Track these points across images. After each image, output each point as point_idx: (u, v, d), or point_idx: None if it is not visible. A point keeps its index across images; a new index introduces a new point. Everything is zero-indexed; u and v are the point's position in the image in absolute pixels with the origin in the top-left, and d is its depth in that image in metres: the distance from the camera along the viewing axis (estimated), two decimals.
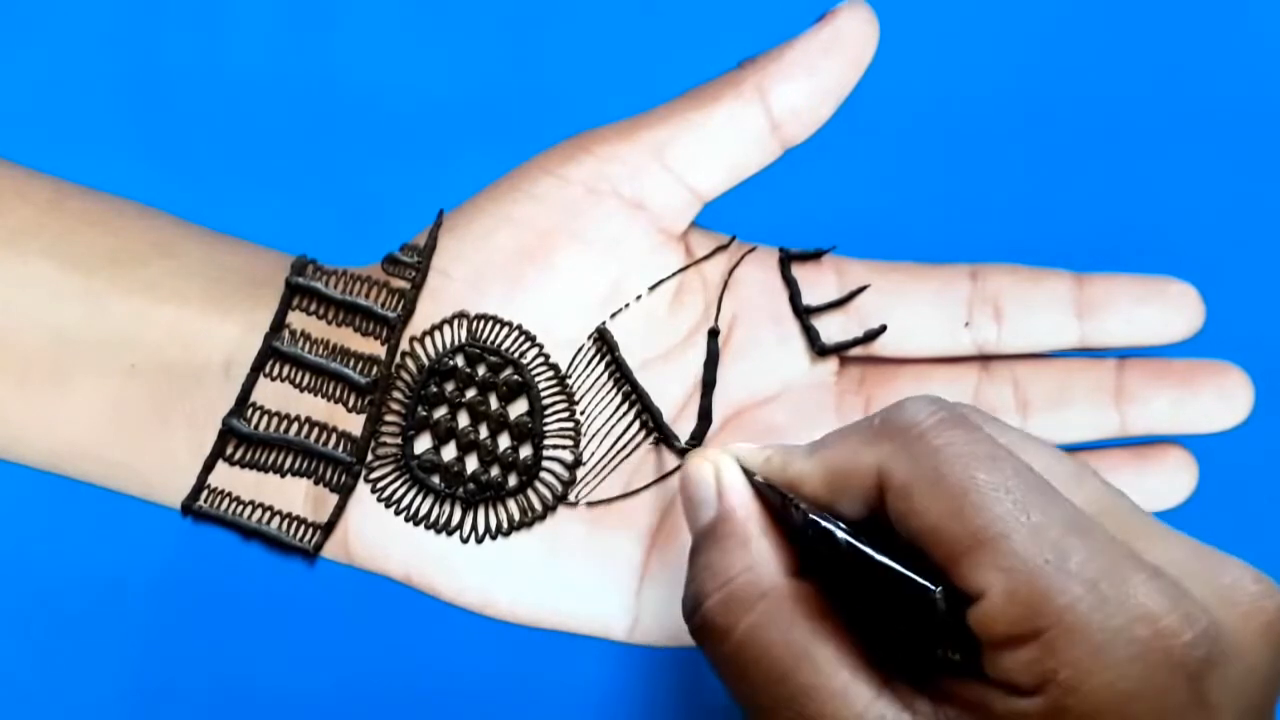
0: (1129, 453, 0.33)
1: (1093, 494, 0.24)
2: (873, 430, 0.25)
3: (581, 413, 0.32)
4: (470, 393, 0.32)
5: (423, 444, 0.32)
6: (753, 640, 0.24)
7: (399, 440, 0.32)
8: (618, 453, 0.32)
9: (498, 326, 0.32)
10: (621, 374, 0.32)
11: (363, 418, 0.32)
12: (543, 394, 0.32)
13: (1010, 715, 0.22)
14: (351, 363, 0.32)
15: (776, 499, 0.26)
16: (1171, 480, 0.33)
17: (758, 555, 0.25)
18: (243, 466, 0.32)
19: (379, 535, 0.31)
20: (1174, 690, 0.21)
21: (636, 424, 0.32)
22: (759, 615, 0.25)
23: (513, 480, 0.32)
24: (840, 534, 0.24)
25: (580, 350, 0.32)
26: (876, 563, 0.23)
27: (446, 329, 0.32)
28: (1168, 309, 0.33)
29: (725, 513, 0.26)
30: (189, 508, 0.31)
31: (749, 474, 0.27)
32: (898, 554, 0.23)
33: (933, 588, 0.23)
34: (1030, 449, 0.25)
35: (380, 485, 0.32)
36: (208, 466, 0.31)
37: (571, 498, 0.32)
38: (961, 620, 0.23)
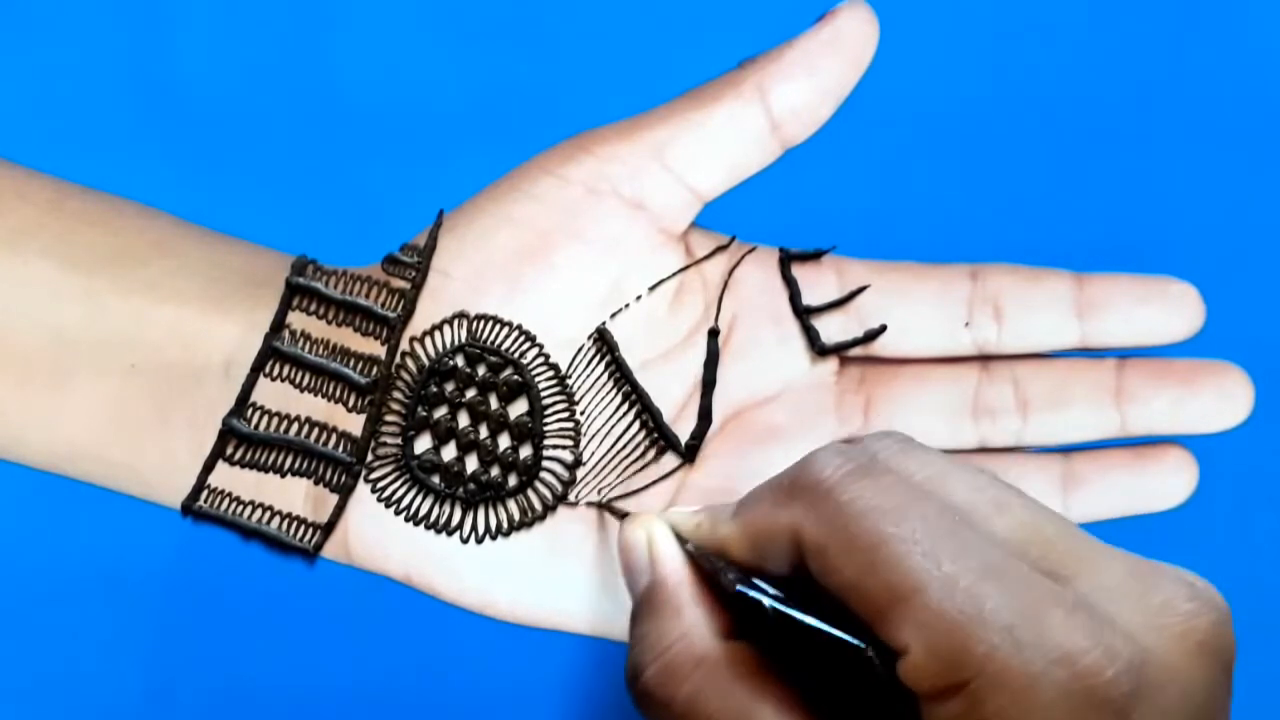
0: (1129, 453, 0.33)
1: (1017, 521, 0.24)
2: (784, 489, 0.25)
3: (581, 413, 0.32)
4: (470, 393, 0.32)
5: (423, 444, 0.32)
6: (693, 708, 0.24)
7: (399, 440, 0.32)
8: (618, 453, 0.32)
9: (498, 326, 0.32)
10: (621, 374, 0.32)
11: (363, 418, 0.32)
12: (543, 394, 0.32)
13: None
14: (351, 363, 0.32)
15: (707, 565, 0.26)
16: (1172, 480, 0.33)
17: (690, 623, 0.25)
18: (243, 466, 0.32)
19: (379, 535, 0.31)
20: None
21: (636, 424, 0.32)
22: (696, 682, 0.25)
23: (513, 480, 0.32)
24: (767, 602, 0.24)
25: (580, 350, 0.32)
26: (806, 626, 0.23)
27: (446, 329, 0.32)
28: (1168, 309, 0.33)
29: (658, 581, 0.26)
30: (189, 508, 0.31)
31: (682, 540, 0.27)
32: (828, 609, 0.23)
33: (863, 646, 0.23)
34: (951, 479, 0.24)
35: (380, 485, 0.32)
36: (208, 466, 0.31)
37: (571, 498, 0.32)
38: (893, 675, 0.22)
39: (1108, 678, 0.21)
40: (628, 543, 0.27)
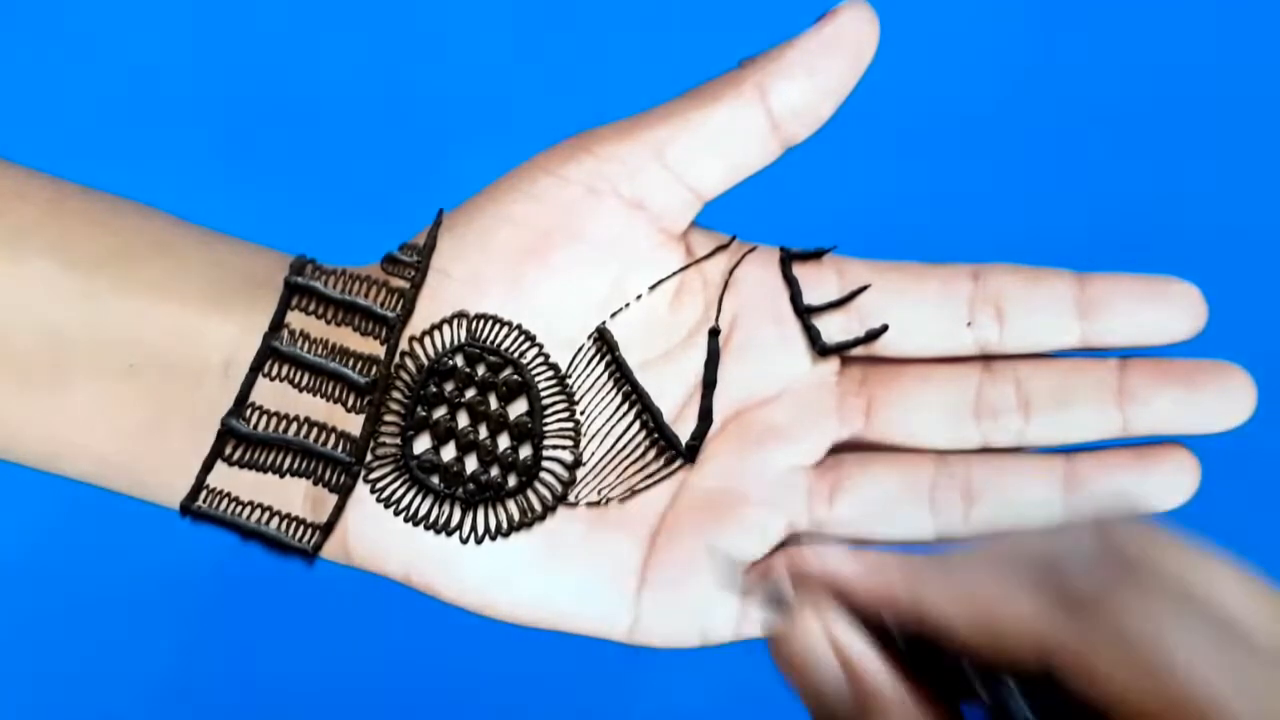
0: (1131, 453, 0.33)
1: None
2: (1036, 587, 0.21)
3: (581, 413, 0.32)
4: (470, 393, 0.32)
5: (422, 444, 0.32)
6: None
7: (398, 440, 0.32)
8: (618, 453, 0.32)
9: (497, 326, 0.32)
10: (621, 374, 0.32)
11: (362, 418, 0.32)
12: (543, 394, 0.32)
13: None
14: (351, 362, 0.32)
15: (924, 658, 0.21)
16: (1173, 480, 0.33)
17: None
18: (242, 467, 0.32)
19: (378, 536, 0.31)
20: None
21: (636, 424, 0.32)
22: None
23: (512, 480, 0.32)
24: None
25: (580, 350, 0.32)
26: None
27: (446, 329, 0.32)
28: (1170, 309, 0.33)
29: (869, 693, 0.22)
30: (188, 508, 0.31)
31: (854, 619, 0.22)
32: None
33: None
34: (1219, 577, 0.21)
35: (379, 485, 0.32)
36: (206, 466, 0.31)
37: (571, 498, 0.32)
38: None
39: None
40: (803, 655, 0.22)
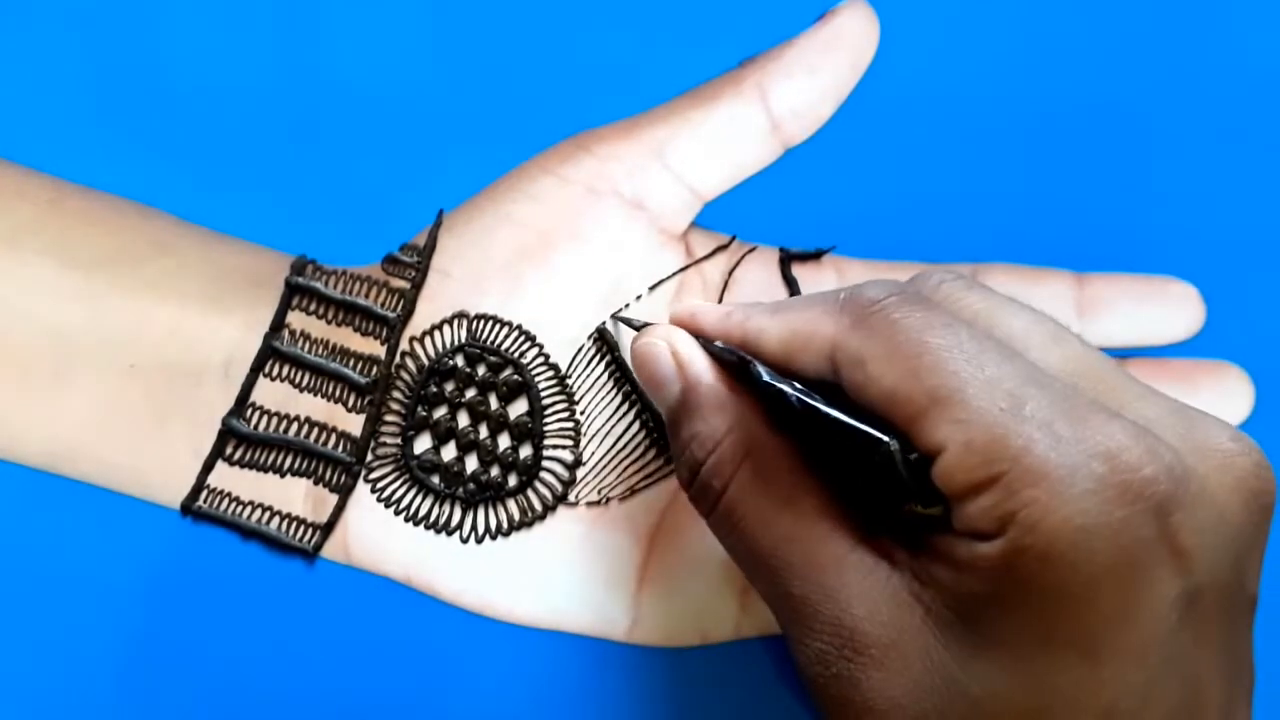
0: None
1: (1071, 353, 0.24)
2: (834, 304, 0.25)
3: (581, 413, 0.32)
4: (470, 393, 0.32)
5: (422, 444, 0.32)
6: (741, 495, 0.25)
7: (399, 440, 0.32)
8: (618, 453, 0.32)
9: (498, 326, 0.32)
10: (622, 374, 0.32)
11: (362, 418, 0.32)
12: (543, 394, 0.32)
13: (975, 560, 0.22)
14: (351, 363, 0.32)
15: (733, 359, 0.26)
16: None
17: (738, 416, 0.26)
18: (242, 466, 0.32)
19: (379, 535, 0.31)
20: (1136, 525, 0.21)
21: (636, 424, 0.32)
22: (745, 470, 0.25)
23: (513, 480, 0.32)
24: (792, 392, 0.24)
25: (580, 350, 0.32)
26: (831, 419, 0.23)
27: (446, 329, 0.32)
28: (1168, 309, 0.33)
29: (691, 383, 0.27)
30: (189, 508, 0.31)
31: (701, 341, 0.27)
32: (854, 415, 0.24)
33: (886, 439, 0.23)
34: (1009, 312, 0.25)
35: (380, 485, 0.32)
36: (207, 466, 0.31)
37: (571, 498, 0.32)
38: (926, 480, 0.23)
39: (1146, 474, 0.21)
40: (648, 354, 0.27)
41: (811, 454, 0.25)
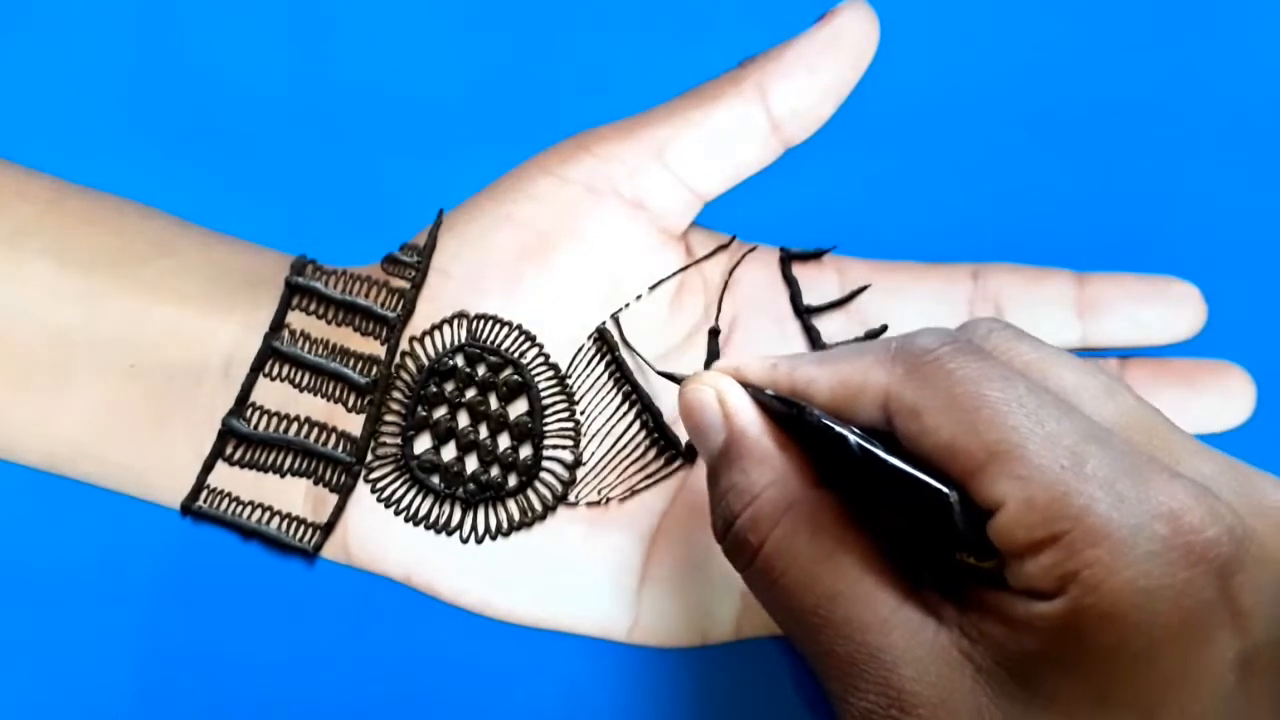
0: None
1: (1124, 408, 0.24)
2: (888, 353, 0.24)
3: (581, 413, 0.32)
4: (470, 393, 0.32)
5: (422, 444, 0.32)
6: (780, 551, 0.25)
7: (399, 440, 0.32)
8: (618, 453, 0.32)
9: (498, 326, 0.32)
10: (622, 374, 0.32)
11: (362, 418, 0.32)
12: (543, 394, 0.32)
13: (1033, 619, 0.22)
14: (351, 362, 0.32)
15: (784, 409, 0.25)
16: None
17: (779, 470, 0.25)
18: (242, 466, 0.32)
19: (379, 535, 0.31)
20: (1198, 587, 0.21)
21: (636, 424, 0.32)
22: (785, 526, 0.25)
23: (513, 480, 0.32)
24: (853, 438, 0.23)
25: (580, 350, 0.32)
26: (890, 467, 0.23)
27: (446, 329, 0.32)
28: (1170, 309, 0.33)
29: (737, 433, 0.26)
30: (189, 508, 0.31)
31: (749, 389, 0.27)
32: (910, 464, 0.23)
33: (946, 490, 0.23)
34: (1061, 365, 0.24)
35: (380, 485, 0.32)
36: (207, 466, 0.31)
37: (571, 498, 0.32)
38: (981, 534, 0.22)
39: (1209, 535, 0.21)
40: (695, 402, 0.27)
41: (857, 507, 0.25)
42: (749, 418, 0.26)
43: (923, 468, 0.23)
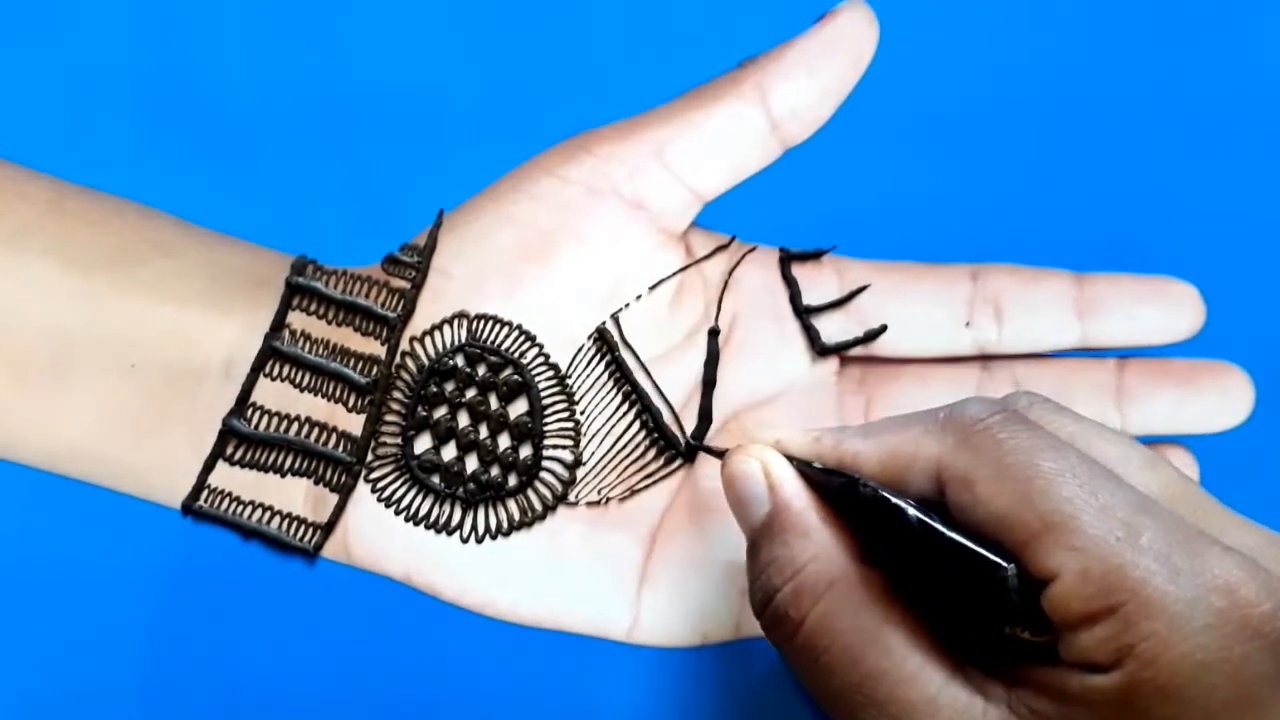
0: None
1: (1167, 479, 0.24)
2: (936, 423, 0.24)
3: (581, 413, 0.32)
4: (470, 393, 0.32)
5: (423, 444, 0.32)
6: (823, 627, 0.24)
7: (399, 440, 0.32)
8: (618, 453, 0.32)
9: (498, 326, 0.32)
10: (622, 374, 0.32)
11: (363, 418, 0.32)
12: (543, 394, 0.32)
13: (1087, 693, 0.22)
14: (351, 363, 0.32)
15: (833, 481, 0.25)
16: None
17: (822, 544, 0.25)
18: (243, 466, 0.32)
19: (379, 535, 0.31)
20: (1254, 661, 0.21)
21: (636, 424, 0.32)
22: (828, 602, 0.25)
23: (513, 480, 0.32)
24: (911, 510, 0.23)
25: (580, 350, 0.32)
26: (947, 540, 0.23)
27: (446, 329, 0.32)
28: (1169, 309, 0.33)
29: (781, 506, 0.26)
30: (189, 508, 0.31)
31: (794, 462, 0.26)
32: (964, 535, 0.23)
33: (1005, 564, 0.23)
34: (1103, 438, 0.25)
35: (380, 485, 0.32)
36: (208, 466, 0.31)
37: (571, 498, 0.32)
38: (1035, 606, 0.22)
39: (1265, 610, 0.21)
40: (738, 473, 0.26)
41: (903, 584, 0.25)
42: (794, 490, 0.26)
43: (978, 541, 0.23)
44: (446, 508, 0.32)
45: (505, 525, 0.32)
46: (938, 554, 0.23)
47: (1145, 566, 0.21)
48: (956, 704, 0.23)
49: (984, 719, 0.23)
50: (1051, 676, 0.22)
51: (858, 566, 0.25)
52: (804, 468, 0.26)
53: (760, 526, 0.26)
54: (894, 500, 0.24)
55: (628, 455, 0.32)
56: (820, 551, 0.25)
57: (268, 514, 0.32)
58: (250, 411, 0.32)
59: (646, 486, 0.32)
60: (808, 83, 0.32)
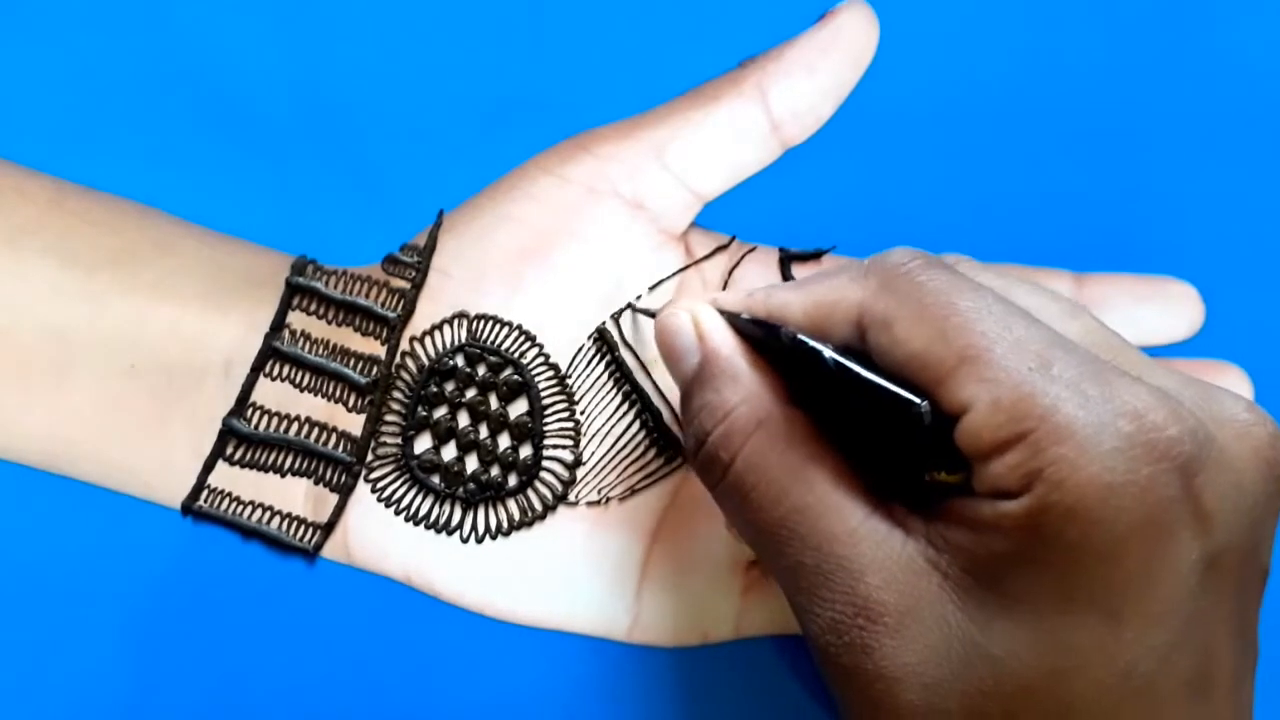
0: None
1: (1087, 327, 0.25)
2: (859, 270, 0.25)
3: (581, 413, 0.32)
4: (470, 393, 0.32)
5: (423, 444, 0.32)
6: (750, 465, 0.25)
7: (399, 440, 0.32)
8: (618, 453, 0.32)
9: (498, 326, 0.32)
10: (622, 374, 0.32)
11: (363, 418, 0.32)
12: (543, 394, 0.32)
13: (999, 519, 0.22)
14: (351, 362, 0.32)
15: (758, 331, 0.26)
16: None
17: (750, 388, 0.26)
18: (243, 466, 0.32)
19: (379, 535, 0.32)
20: (1161, 484, 0.21)
21: (636, 424, 0.32)
22: (756, 441, 0.25)
23: (513, 480, 0.32)
24: (827, 352, 0.24)
25: (580, 350, 0.32)
26: (862, 380, 0.23)
27: (446, 329, 0.32)
28: (1168, 309, 0.33)
29: (710, 354, 0.26)
30: (189, 508, 0.31)
31: (725, 316, 0.27)
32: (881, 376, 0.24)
33: (918, 401, 0.23)
34: (1022, 290, 0.25)
35: (380, 485, 0.32)
36: (208, 466, 0.31)
37: (571, 498, 0.32)
38: (949, 442, 0.23)
39: (1172, 434, 0.21)
40: (670, 327, 0.27)
41: (828, 425, 0.25)
42: (722, 338, 0.27)
43: (895, 381, 0.23)
44: (446, 508, 0.32)
45: (505, 525, 0.32)
46: (855, 395, 0.24)
47: (1055, 394, 0.22)
48: (876, 535, 0.24)
49: (903, 550, 0.24)
50: (965, 507, 0.23)
51: (784, 408, 0.25)
52: (735, 321, 0.27)
53: (691, 376, 0.27)
54: (811, 343, 0.24)
55: (628, 455, 0.32)
56: (748, 394, 0.26)
57: (268, 514, 0.32)
58: (250, 411, 0.32)
59: (646, 486, 0.32)
60: (808, 83, 0.32)
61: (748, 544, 0.26)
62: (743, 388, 0.26)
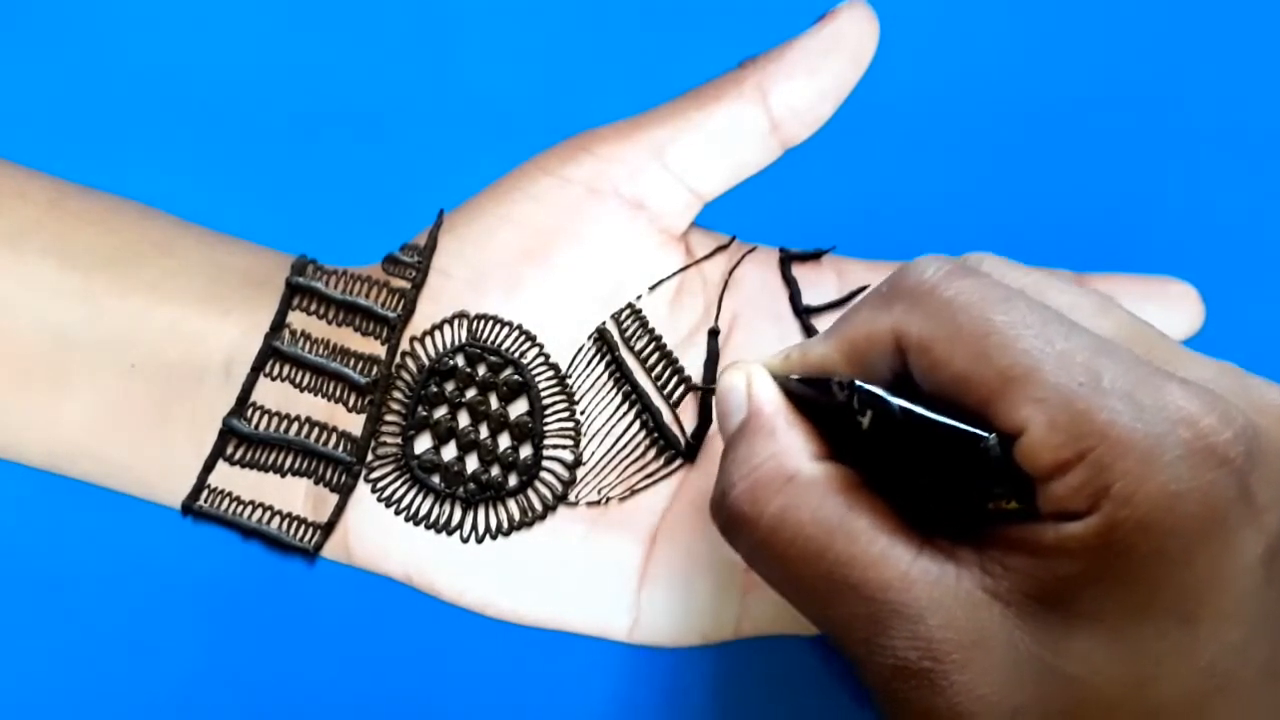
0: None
1: (1120, 322, 0.24)
2: (883, 296, 0.24)
3: (581, 413, 0.32)
4: (470, 392, 0.32)
5: (423, 444, 0.32)
6: (783, 522, 0.24)
7: (399, 440, 0.32)
8: (618, 453, 0.32)
9: (498, 326, 0.32)
10: (622, 374, 0.32)
11: (363, 418, 0.32)
12: (543, 394, 0.32)
13: (1064, 542, 0.22)
14: (351, 362, 0.32)
15: (809, 390, 0.26)
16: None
17: (783, 441, 0.25)
18: (243, 466, 0.32)
19: (379, 535, 0.31)
20: (1222, 486, 0.21)
21: (636, 424, 0.32)
22: (787, 497, 0.25)
23: (513, 480, 0.32)
24: (895, 401, 0.23)
25: (580, 350, 0.32)
26: (927, 421, 0.23)
27: (447, 329, 0.32)
28: (1168, 309, 0.33)
29: (753, 411, 0.26)
30: (189, 508, 0.31)
31: (779, 379, 0.27)
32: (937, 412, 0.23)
33: (986, 435, 0.23)
34: (1052, 286, 0.25)
35: (380, 485, 0.32)
36: (208, 466, 0.31)
37: (571, 498, 0.32)
38: (1011, 465, 0.22)
39: (1227, 437, 0.21)
40: (725, 384, 0.27)
41: (872, 468, 0.25)
42: (768, 396, 0.26)
43: (950, 412, 0.23)
44: (446, 508, 0.32)
45: (505, 525, 0.32)
46: (914, 438, 0.23)
47: (1110, 408, 0.21)
48: (929, 575, 0.23)
49: (958, 585, 0.23)
50: (1024, 532, 0.23)
51: (820, 462, 0.25)
52: (787, 383, 0.26)
53: (734, 433, 0.27)
54: (869, 389, 0.24)
55: (628, 455, 0.32)
56: (779, 450, 0.25)
57: (268, 514, 0.32)
58: (250, 411, 0.32)
59: (646, 486, 0.32)
60: (808, 83, 0.32)
61: (790, 601, 0.26)
62: (775, 442, 0.25)
